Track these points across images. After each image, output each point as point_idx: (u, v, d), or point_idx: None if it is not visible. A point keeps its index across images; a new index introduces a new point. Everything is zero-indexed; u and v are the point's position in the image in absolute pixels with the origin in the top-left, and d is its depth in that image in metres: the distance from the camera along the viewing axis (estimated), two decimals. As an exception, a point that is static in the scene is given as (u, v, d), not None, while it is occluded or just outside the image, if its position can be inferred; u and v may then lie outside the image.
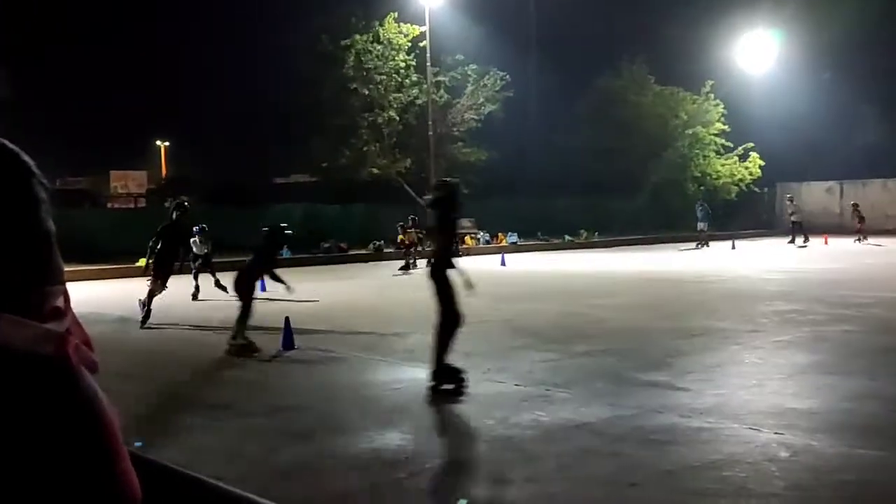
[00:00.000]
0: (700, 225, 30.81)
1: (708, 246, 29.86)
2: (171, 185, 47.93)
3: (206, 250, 17.27)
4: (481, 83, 33.68)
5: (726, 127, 39.23)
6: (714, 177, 39.82)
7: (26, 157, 1.02)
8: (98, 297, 16.73)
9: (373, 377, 8.48)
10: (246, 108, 48.35)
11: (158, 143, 59.72)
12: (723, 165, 39.81)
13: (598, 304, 13.74)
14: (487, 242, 32.02)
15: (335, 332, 11.53)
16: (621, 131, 38.77)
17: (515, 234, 32.39)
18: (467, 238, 31.84)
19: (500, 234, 32.47)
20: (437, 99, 33.37)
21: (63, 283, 1.05)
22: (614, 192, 37.87)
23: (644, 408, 6.82)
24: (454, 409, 7.09)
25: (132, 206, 44.85)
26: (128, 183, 51.51)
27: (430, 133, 32.12)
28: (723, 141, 39.67)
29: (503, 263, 24.18)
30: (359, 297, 16.41)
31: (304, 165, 37.99)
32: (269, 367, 9.36)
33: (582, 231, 33.78)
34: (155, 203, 44.55)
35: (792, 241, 30.79)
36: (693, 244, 30.60)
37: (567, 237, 32.88)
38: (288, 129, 34.63)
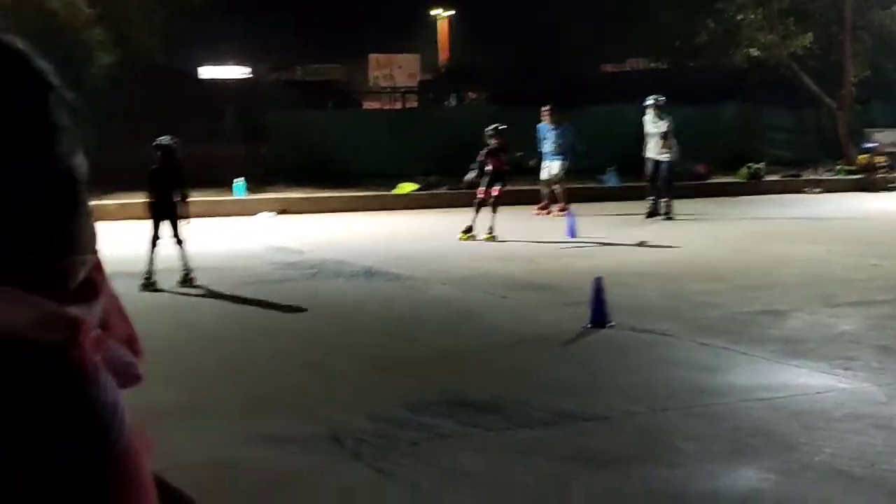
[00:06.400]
0: None
1: None
2: (453, 76, 49.75)
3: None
4: None
5: None
6: None
7: (39, 63, 1.00)
8: (338, 238, 17.91)
9: (725, 379, 8.29)
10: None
11: (436, 12, 62.19)
12: None
13: None
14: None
15: (673, 304, 11.52)
16: None
17: None
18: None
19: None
20: (862, -69, 32.34)
21: (95, 253, 1.06)
22: None
23: None
24: (853, 439, 6.67)
25: (399, 105, 46.85)
26: (393, 72, 53.70)
27: (848, -9, 31.14)
28: None
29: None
30: (717, 249, 16.45)
31: (645, 46, 38.17)
32: (565, 352, 9.43)
33: None
34: (428, 104, 46.57)
35: None
36: None
37: None
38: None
